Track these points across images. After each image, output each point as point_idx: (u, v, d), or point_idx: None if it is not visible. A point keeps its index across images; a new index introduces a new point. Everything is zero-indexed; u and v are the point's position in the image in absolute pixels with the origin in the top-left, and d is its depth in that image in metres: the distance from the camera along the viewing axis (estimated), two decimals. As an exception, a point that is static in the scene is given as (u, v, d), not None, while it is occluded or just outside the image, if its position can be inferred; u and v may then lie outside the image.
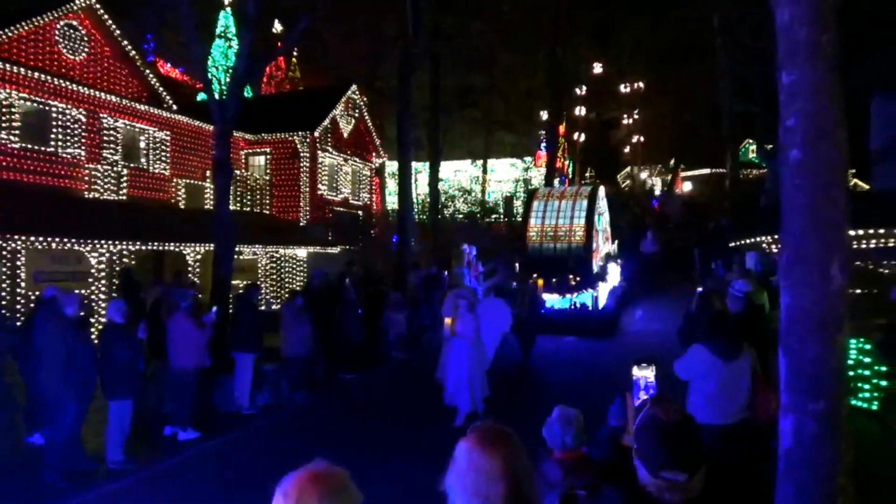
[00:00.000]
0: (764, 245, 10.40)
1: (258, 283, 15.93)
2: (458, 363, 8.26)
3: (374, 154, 26.88)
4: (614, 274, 17.39)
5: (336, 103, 23.58)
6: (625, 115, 46.31)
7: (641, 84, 42.82)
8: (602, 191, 18.11)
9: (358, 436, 6.91)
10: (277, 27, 36.07)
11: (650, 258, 20.51)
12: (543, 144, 35.30)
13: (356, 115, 25.25)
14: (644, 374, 4.50)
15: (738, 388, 4.90)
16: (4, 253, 12.08)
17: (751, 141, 34.21)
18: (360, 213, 25.31)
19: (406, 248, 18.16)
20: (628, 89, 43.99)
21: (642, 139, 46.42)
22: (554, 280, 14.83)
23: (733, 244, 12.62)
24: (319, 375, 10.81)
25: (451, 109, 32.78)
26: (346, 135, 24.39)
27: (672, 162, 46.56)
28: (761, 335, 6.04)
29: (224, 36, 34.95)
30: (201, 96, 27.98)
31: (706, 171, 43.23)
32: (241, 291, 10.33)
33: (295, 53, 39.41)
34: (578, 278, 14.97)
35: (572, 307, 14.74)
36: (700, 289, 8.99)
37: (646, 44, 40.12)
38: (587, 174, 52.15)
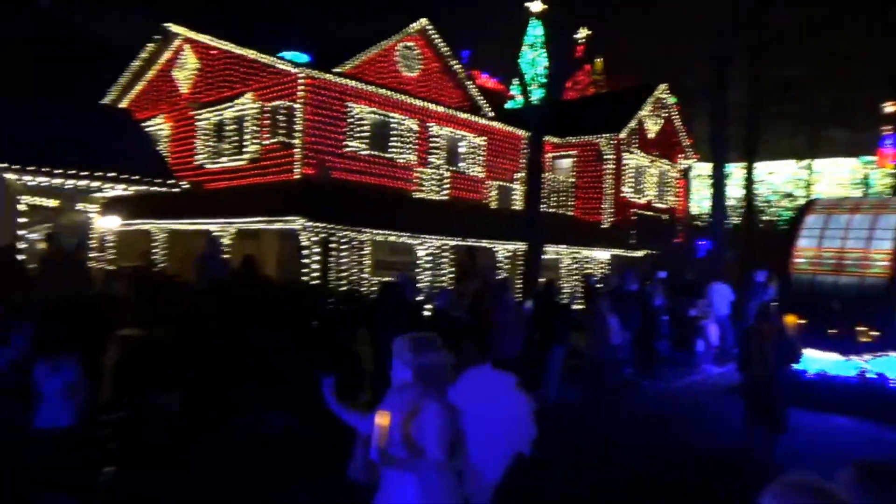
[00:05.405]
0: None
1: (557, 281, 16.30)
2: None
3: (681, 155, 25.63)
4: None
5: (642, 104, 23.04)
6: None
7: None
8: None
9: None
10: (582, 32, 36.56)
11: None
12: (890, 141, 29.93)
13: (664, 114, 24.36)
14: None
15: None
16: (355, 244, 14.24)
17: None
18: (664, 216, 24.35)
19: (719, 254, 16.94)
20: None
21: None
22: (831, 331, 10.09)
23: None
24: (619, 380, 10.65)
25: (768, 105, 29.69)
26: (652, 135, 23.67)
27: None
28: None
29: (532, 45, 36.54)
30: (509, 104, 29.61)
31: None
32: (541, 289, 10.71)
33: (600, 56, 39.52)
34: (876, 332, 9.97)
35: (860, 376, 9.65)
36: None
37: None
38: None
